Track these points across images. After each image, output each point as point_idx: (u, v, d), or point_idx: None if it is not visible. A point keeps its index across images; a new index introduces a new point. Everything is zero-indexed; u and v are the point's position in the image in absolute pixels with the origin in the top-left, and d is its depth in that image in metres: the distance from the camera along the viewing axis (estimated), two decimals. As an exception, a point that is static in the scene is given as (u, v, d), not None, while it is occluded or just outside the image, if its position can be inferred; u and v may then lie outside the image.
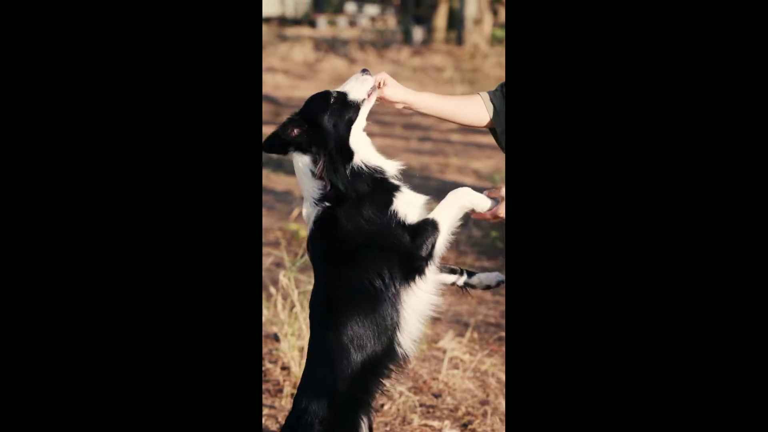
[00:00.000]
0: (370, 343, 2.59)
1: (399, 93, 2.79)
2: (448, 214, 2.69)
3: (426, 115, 2.91)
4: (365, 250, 2.60)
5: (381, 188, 2.66)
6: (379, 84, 2.77)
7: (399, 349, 2.65)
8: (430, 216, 2.70)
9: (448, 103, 2.86)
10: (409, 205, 2.68)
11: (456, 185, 7.86)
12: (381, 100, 2.81)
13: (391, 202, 2.64)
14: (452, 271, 2.84)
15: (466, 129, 10.65)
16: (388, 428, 3.70)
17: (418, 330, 2.68)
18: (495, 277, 2.86)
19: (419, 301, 2.66)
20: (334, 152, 2.65)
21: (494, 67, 15.57)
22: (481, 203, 2.71)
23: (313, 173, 2.65)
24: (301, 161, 2.68)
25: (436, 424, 3.73)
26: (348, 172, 2.65)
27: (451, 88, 12.98)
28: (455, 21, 19.63)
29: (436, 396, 4.00)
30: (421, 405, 3.90)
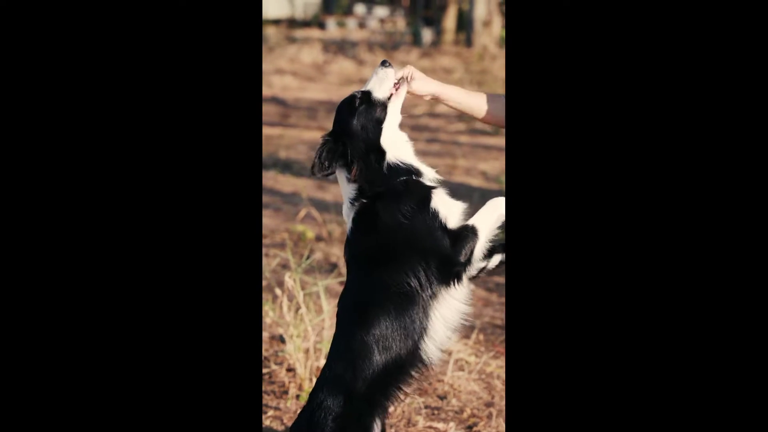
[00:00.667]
0: (396, 346, 2.59)
1: (428, 86, 2.80)
2: (487, 221, 2.68)
3: (451, 108, 2.93)
4: (403, 249, 2.59)
5: (417, 187, 2.66)
6: (409, 77, 2.76)
7: (424, 356, 2.64)
8: (470, 222, 2.68)
9: (475, 98, 2.89)
10: (448, 208, 2.67)
11: (463, 187, 7.90)
12: (410, 93, 2.80)
13: (429, 200, 2.63)
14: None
15: (474, 131, 10.65)
16: (393, 430, 3.69)
17: (446, 338, 2.67)
18: None
19: (450, 309, 2.65)
20: (365, 155, 2.66)
21: (503, 68, 15.48)
22: None
23: (348, 179, 2.67)
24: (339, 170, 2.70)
25: (441, 426, 3.72)
26: (384, 170, 2.65)
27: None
28: (464, 22, 19.60)
29: (441, 398, 4.00)
30: (426, 407, 3.90)
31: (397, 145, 2.71)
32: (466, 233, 2.63)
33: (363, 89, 2.74)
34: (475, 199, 7.03)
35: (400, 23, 25.01)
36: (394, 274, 2.58)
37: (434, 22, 20.86)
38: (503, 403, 3.91)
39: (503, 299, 5.20)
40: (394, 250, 2.59)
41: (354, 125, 2.68)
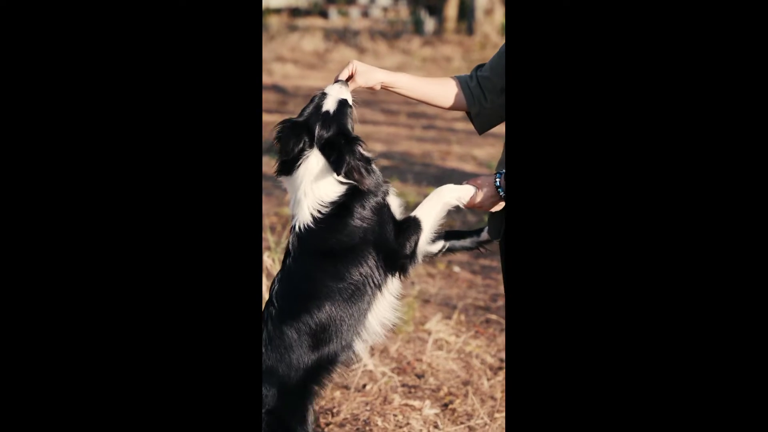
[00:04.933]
0: (334, 338, 2.58)
1: (374, 76, 2.74)
2: (431, 212, 2.68)
3: (405, 97, 2.87)
4: (359, 243, 2.58)
5: (384, 185, 2.68)
6: (351, 75, 2.72)
7: (355, 349, 2.65)
8: (413, 213, 2.69)
9: (426, 85, 2.83)
10: (396, 200, 2.69)
11: (455, 172, 7.90)
12: (359, 88, 2.75)
13: (387, 196, 2.65)
14: (460, 235, 2.80)
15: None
16: (368, 408, 3.71)
17: (377, 335, 2.68)
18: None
19: (386, 306, 2.67)
20: (357, 154, 2.62)
21: (504, 56, 15.48)
22: (466, 195, 2.70)
23: (340, 181, 2.59)
24: (318, 169, 2.60)
25: (416, 403, 3.73)
26: (372, 168, 2.64)
27: (458, 77, 12.90)
28: (466, 11, 19.56)
29: (419, 376, 4.01)
30: (403, 385, 3.91)
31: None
32: (408, 225, 2.65)
33: (341, 96, 2.69)
34: (466, 183, 7.04)
35: (404, 12, 24.94)
36: (347, 264, 2.57)
37: (437, 10, 20.79)
38: (480, 381, 3.93)
39: (487, 281, 5.22)
40: (353, 242, 2.58)
41: (348, 125, 2.67)
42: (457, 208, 2.74)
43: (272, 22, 20.89)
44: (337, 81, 2.71)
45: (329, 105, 2.66)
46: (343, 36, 19.00)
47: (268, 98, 11.80)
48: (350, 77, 2.73)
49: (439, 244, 2.72)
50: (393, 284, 2.68)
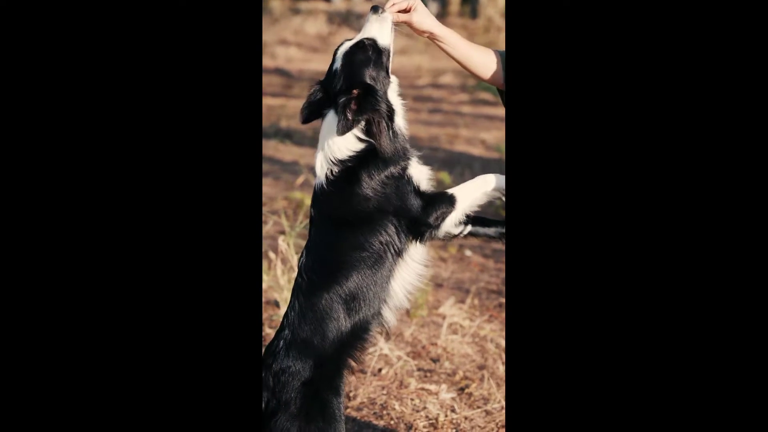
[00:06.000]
0: (364, 306, 2.56)
1: (427, 21, 2.65)
2: (470, 195, 2.63)
3: (447, 54, 2.77)
4: (376, 211, 2.55)
5: (405, 153, 2.60)
6: (409, 8, 2.62)
7: (384, 317, 2.63)
8: (451, 191, 2.64)
9: (469, 47, 2.75)
10: (421, 173, 2.63)
11: (463, 156, 7.87)
12: (408, 25, 2.66)
13: (407, 168, 2.59)
14: (486, 223, 2.72)
15: (477, 101, 10.61)
16: (385, 392, 3.71)
17: (404, 301, 2.65)
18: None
19: (410, 272, 2.63)
20: (384, 112, 2.53)
21: (508, 40, 15.41)
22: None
23: (360, 138, 2.53)
24: (332, 119, 2.53)
25: (432, 387, 3.74)
26: (391, 132, 2.56)
27: (463, 60, 12.85)
28: (470, -6, 19.45)
29: (435, 360, 4.01)
30: (419, 369, 3.92)
31: (398, 104, 2.63)
32: (443, 199, 2.60)
33: (366, 36, 2.57)
34: (476, 168, 7.01)
35: (407, -5, 24.78)
36: (366, 233, 2.54)
37: (440, -7, 20.67)
38: (495, 365, 3.93)
39: (499, 265, 5.21)
40: (367, 212, 2.54)
41: (371, 77, 2.55)
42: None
43: (275, 6, 20.78)
44: (373, 9, 2.61)
45: (339, 57, 2.59)
46: (346, 19, 18.90)
47: (272, 82, 11.76)
48: (406, 11, 2.63)
49: (462, 228, 2.65)
50: (416, 251, 2.64)
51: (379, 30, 2.59)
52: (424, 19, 2.65)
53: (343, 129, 2.47)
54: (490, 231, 2.71)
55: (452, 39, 2.71)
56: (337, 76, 2.56)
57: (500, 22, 17.39)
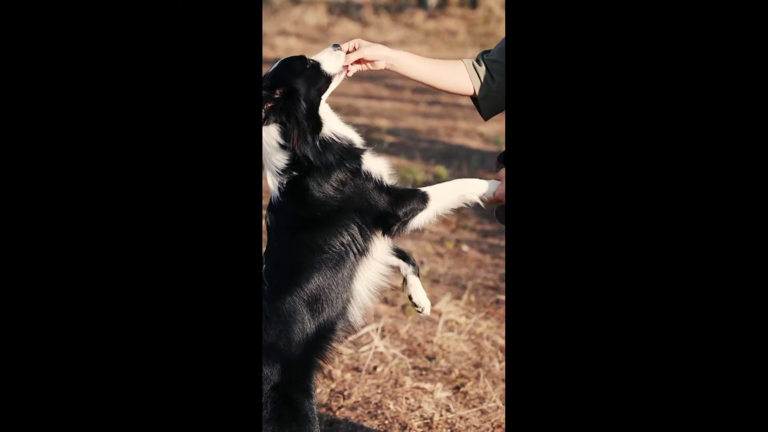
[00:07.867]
0: (327, 307, 2.56)
1: (379, 51, 2.69)
2: (444, 196, 2.64)
3: (408, 77, 2.79)
4: (335, 214, 2.55)
5: (350, 156, 2.60)
6: (353, 48, 2.69)
7: (350, 317, 2.63)
8: (424, 189, 2.65)
9: (432, 64, 2.77)
10: (379, 167, 2.63)
11: (462, 148, 7.83)
12: (362, 62, 2.71)
13: (360, 166, 2.59)
14: (405, 258, 2.77)
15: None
16: (380, 390, 3.69)
17: (367, 300, 2.66)
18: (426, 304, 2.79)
19: (372, 271, 2.64)
20: (305, 121, 2.56)
21: (508, 31, 15.36)
22: (490, 192, 2.66)
23: (281, 145, 2.56)
24: (267, 131, 2.57)
25: (428, 386, 3.71)
26: (318, 143, 2.57)
27: (463, 52, 12.81)
28: (470, -16, 19.37)
29: (430, 358, 3.98)
30: (414, 367, 3.89)
31: (330, 116, 2.65)
32: (414, 196, 2.61)
33: (313, 59, 2.65)
34: (473, 161, 6.98)
35: (407, -15, 24.71)
36: (325, 235, 2.54)
37: (440, -17, 20.59)
38: (492, 363, 3.90)
39: (496, 261, 5.18)
40: (326, 215, 2.55)
41: (299, 85, 2.58)
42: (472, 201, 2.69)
43: (274, -4, 20.70)
44: (334, 45, 2.69)
45: (277, 62, 2.65)
46: (346, 9, 18.83)
47: (271, 73, 11.72)
48: (351, 50, 2.69)
49: (397, 262, 2.73)
50: (379, 249, 2.64)
51: (328, 58, 2.66)
52: (375, 50, 2.69)
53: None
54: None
55: (409, 60, 2.73)
56: (266, 77, 2.59)
57: (500, 12, 17.33)
